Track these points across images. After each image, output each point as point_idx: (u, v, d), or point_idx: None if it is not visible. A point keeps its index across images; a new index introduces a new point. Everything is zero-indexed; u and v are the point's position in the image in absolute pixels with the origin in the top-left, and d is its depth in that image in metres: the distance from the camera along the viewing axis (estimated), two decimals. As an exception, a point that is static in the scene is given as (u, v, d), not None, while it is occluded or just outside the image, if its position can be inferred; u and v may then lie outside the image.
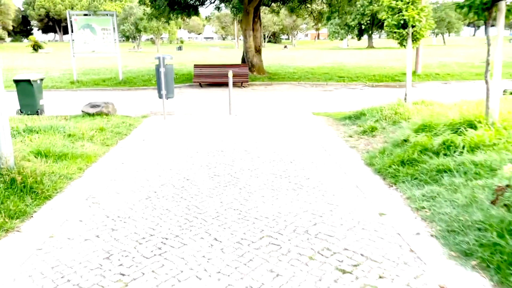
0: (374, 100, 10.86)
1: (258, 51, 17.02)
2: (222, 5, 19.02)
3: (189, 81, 15.99)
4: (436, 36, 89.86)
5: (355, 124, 7.87)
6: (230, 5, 21.32)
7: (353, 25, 64.26)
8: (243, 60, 17.32)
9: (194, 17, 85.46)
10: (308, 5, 22.20)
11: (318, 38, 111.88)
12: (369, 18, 62.77)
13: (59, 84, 15.78)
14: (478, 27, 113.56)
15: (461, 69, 18.88)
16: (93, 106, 8.93)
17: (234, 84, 15.16)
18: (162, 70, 8.65)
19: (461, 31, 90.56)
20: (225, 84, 15.99)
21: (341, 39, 70.94)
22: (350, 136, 6.92)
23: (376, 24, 66.86)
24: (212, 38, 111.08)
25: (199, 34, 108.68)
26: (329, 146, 6.34)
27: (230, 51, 56.32)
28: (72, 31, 15.32)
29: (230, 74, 9.16)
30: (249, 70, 15.77)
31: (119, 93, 14.27)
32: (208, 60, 31.68)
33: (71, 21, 15.22)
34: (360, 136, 6.91)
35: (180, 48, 69.63)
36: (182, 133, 7.46)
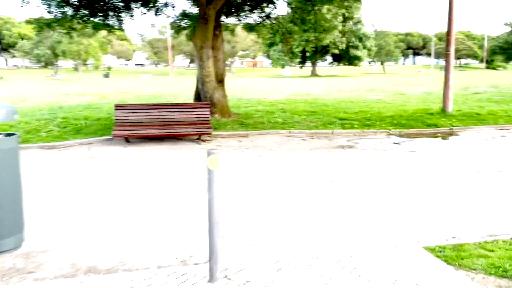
0: (461, 180, 5.78)
1: (221, 81, 10.99)
2: (165, 11, 12.74)
3: (108, 131, 9.48)
4: (370, 64, 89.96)
5: None
6: (172, 17, 15.27)
7: (297, 52, 60.70)
8: (197, 96, 11.16)
9: (123, 42, 77.94)
10: (274, 22, 16.79)
11: (256, 65, 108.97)
12: (313, 45, 59.59)
13: None
14: (417, 54, 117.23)
15: (492, 105, 14.22)
16: None
17: (188, 138, 8.95)
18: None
19: (399, 59, 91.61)
20: (170, 138, 9.76)
21: (283, 67, 67.06)
22: None
23: (320, 51, 64.09)
24: (143, 64, 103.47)
25: (128, 61, 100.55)
26: None
27: (165, 79, 49.81)
28: None
29: (212, 163, 2.97)
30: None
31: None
32: (140, 90, 25.02)
33: None
34: None
35: (107, 76, 61.85)
36: None
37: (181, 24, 15.98)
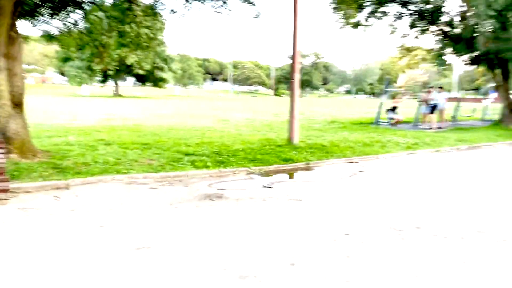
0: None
1: (18, 104, 7.52)
2: None
3: None
4: (173, 86, 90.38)
5: None
6: None
7: (97, 70, 55.56)
8: (-21, 127, 7.34)
9: None
10: (83, 31, 13.66)
11: (45, 82, 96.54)
12: (116, 63, 55.42)
13: None
14: (214, 80, 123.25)
15: (320, 134, 14.33)
16: None
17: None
18: None
19: (202, 83, 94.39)
20: None
21: (80, 85, 60.41)
22: None
23: (123, 70, 60.32)
24: None
25: None
26: None
27: None
28: None
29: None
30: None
31: None
32: None
33: None
34: None
35: None
36: None
37: None
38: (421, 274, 3.80)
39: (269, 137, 12.55)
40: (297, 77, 11.04)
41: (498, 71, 18.79)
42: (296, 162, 9.44)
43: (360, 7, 18.75)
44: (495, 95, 28.73)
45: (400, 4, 19.06)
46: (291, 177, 8.56)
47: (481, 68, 21.63)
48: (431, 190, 7.30)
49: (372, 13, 19.72)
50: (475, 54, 17.53)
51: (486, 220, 5.54)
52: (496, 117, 23.00)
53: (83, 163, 7.85)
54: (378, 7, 19.32)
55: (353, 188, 7.38)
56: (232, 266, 3.90)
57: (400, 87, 19.41)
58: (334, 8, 18.31)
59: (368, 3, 19.16)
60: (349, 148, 11.20)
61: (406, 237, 4.78)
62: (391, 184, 7.78)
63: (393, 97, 19.39)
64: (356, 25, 20.02)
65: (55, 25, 13.15)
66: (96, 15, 13.48)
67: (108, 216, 5.33)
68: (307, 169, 9.27)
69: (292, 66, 11.06)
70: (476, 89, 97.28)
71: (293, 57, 11.08)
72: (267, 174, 8.54)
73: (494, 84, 21.15)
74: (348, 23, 20.10)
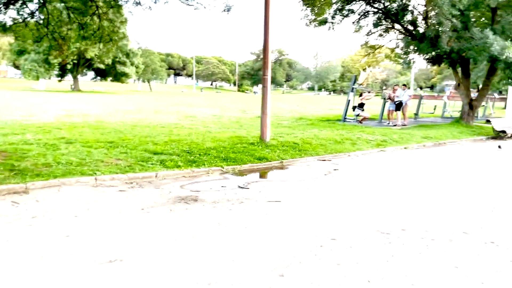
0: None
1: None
2: None
3: None
4: (135, 81, 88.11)
5: None
6: None
7: (55, 63, 53.14)
8: None
9: None
10: (41, 23, 12.83)
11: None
12: (75, 57, 53.20)
13: None
14: (177, 75, 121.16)
15: (299, 133, 14.15)
16: None
17: None
18: None
19: (165, 78, 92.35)
20: None
21: (37, 79, 57.54)
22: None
23: (83, 64, 58.09)
24: None
25: None
26: None
27: None
28: None
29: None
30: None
31: None
32: None
33: None
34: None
35: None
36: None
37: None
38: (417, 282, 3.63)
39: (240, 135, 12.24)
40: (269, 74, 10.77)
41: (459, 69, 19.31)
42: (270, 161, 9.21)
43: (331, 4, 18.74)
44: (449, 92, 29.81)
45: (365, 2, 19.17)
46: (266, 176, 8.31)
47: (438, 67, 22.20)
48: (409, 189, 7.25)
49: (339, 10, 19.75)
50: (437, 52, 17.89)
51: (469, 219, 5.50)
52: (455, 114, 23.79)
53: (43, 164, 7.25)
54: (345, 5, 19.36)
55: (330, 188, 7.22)
56: (217, 280, 3.59)
57: (361, 84, 19.66)
58: (305, 4, 18.14)
59: (335, 0, 19.17)
60: (321, 146, 11.08)
61: (394, 241, 4.63)
62: (367, 183, 7.68)
63: (360, 94, 19.51)
64: (323, 22, 19.98)
65: (9, 15, 12.30)
66: (55, 6, 12.66)
67: (74, 224, 4.87)
68: (282, 167, 9.06)
69: (264, 62, 10.78)
70: (432, 87, 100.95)
71: (264, 54, 10.80)
72: (242, 173, 8.26)
73: (452, 82, 21.80)
74: (316, 20, 20.03)
